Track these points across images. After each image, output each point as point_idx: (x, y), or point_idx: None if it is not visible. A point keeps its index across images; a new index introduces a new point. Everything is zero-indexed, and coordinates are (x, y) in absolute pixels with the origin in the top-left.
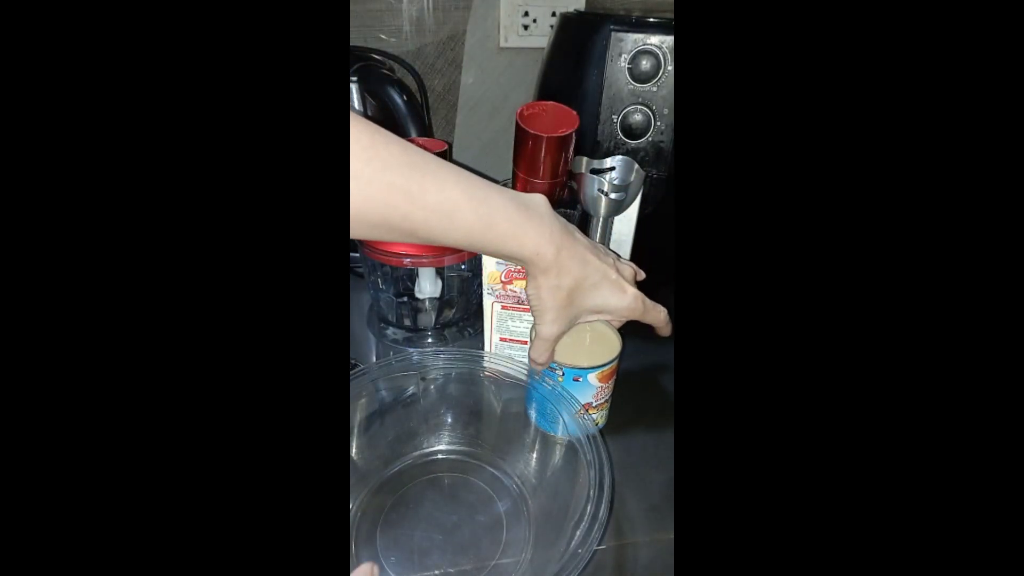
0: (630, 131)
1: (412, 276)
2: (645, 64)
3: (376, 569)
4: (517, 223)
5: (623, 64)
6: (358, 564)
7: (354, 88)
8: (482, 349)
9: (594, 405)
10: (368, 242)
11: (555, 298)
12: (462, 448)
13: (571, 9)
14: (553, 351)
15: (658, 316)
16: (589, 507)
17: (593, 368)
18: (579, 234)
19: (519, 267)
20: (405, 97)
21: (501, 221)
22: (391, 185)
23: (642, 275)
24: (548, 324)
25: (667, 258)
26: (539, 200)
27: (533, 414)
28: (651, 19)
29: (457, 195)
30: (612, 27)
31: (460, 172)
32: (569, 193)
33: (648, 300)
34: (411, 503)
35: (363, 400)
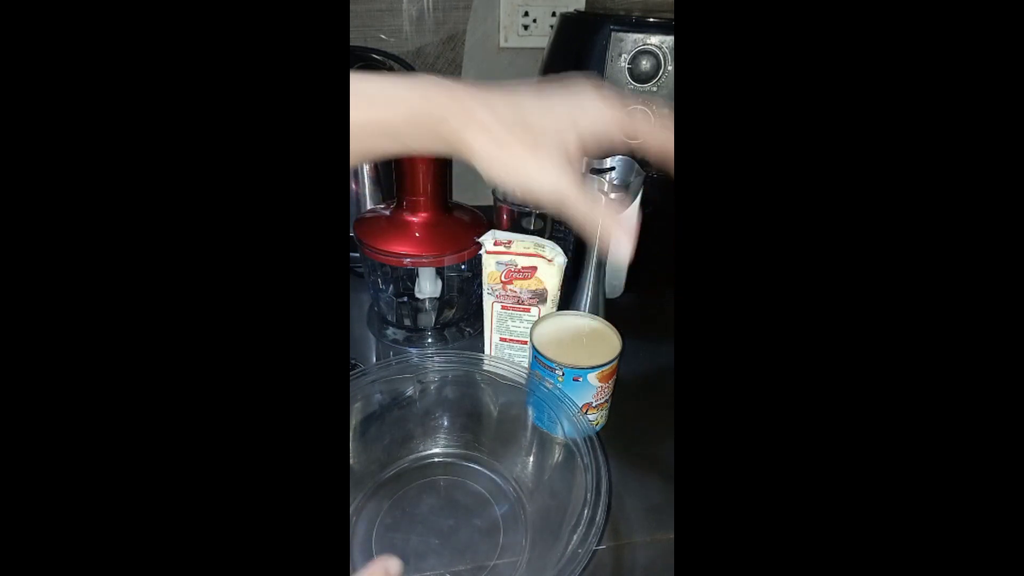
0: None
1: (412, 276)
2: (645, 64)
3: (396, 564)
4: (381, 86)
5: (623, 64)
6: (355, 568)
7: None
8: (482, 349)
9: (594, 405)
10: (368, 242)
11: (507, 149)
12: (459, 451)
13: (571, 9)
14: (588, 204)
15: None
16: (586, 511)
17: (593, 368)
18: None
19: (520, 267)
20: None
21: (358, 92)
22: None
23: None
24: (536, 178)
25: (667, 258)
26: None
27: (532, 414)
28: (651, 19)
29: None
30: (612, 27)
31: None
32: None
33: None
34: (408, 506)
35: (359, 403)
